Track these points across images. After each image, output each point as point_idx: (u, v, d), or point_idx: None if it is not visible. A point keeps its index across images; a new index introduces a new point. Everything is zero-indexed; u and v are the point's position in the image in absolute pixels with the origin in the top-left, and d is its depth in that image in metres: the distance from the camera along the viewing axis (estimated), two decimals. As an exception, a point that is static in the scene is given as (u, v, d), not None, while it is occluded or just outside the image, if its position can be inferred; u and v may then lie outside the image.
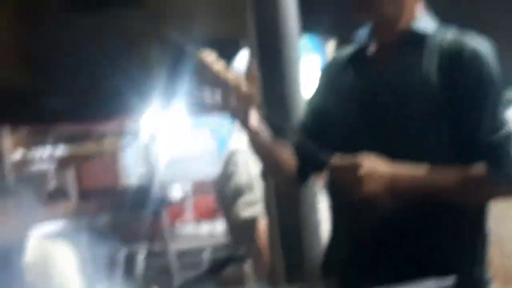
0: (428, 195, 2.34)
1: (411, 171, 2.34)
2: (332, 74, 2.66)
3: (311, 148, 2.54)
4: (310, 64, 4.77)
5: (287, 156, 2.61)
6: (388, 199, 2.29)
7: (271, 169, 2.72)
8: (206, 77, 2.37)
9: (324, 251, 2.65)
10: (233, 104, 2.37)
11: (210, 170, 4.70)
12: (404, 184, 2.31)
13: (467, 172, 2.35)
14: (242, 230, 4.28)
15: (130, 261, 5.86)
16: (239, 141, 4.29)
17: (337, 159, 2.28)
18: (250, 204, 4.24)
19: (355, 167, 2.25)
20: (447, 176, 2.35)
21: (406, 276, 2.19)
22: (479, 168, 2.34)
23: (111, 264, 6.21)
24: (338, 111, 2.58)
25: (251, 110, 2.41)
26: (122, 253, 5.61)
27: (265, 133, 2.50)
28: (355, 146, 2.44)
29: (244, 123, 2.44)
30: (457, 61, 2.43)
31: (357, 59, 2.61)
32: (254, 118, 2.44)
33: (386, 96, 2.49)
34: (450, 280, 2.08)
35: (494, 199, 2.44)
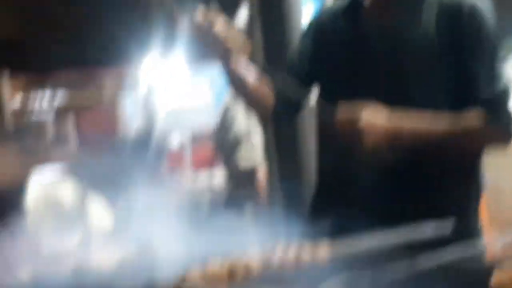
0: (426, 144, 2.37)
1: (410, 120, 2.36)
2: (326, 24, 2.67)
3: (292, 91, 2.55)
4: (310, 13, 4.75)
5: (267, 95, 2.63)
6: (387, 150, 2.32)
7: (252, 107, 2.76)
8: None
9: (313, 195, 2.70)
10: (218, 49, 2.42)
11: (208, 121, 4.73)
12: (404, 135, 2.34)
13: (463, 120, 2.38)
14: (241, 179, 4.32)
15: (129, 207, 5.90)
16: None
17: (340, 112, 2.29)
18: (249, 154, 4.27)
19: (356, 120, 2.28)
20: (444, 124, 2.38)
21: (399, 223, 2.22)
22: (475, 117, 2.37)
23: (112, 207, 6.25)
24: (331, 60, 2.58)
25: (233, 56, 2.44)
26: (121, 200, 5.62)
27: (249, 79, 2.53)
28: (346, 95, 2.47)
29: (226, 67, 2.48)
30: (455, 15, 2.44)
31: (353, 10, 2.61)
32: (240, 63, 2.47)
33: (382, 47, 2.50)
34: (446, 226, 2.10)
35: (489, 148, 2.47)
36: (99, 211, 4.05)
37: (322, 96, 2.59)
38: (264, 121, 3.31)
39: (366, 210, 2.36)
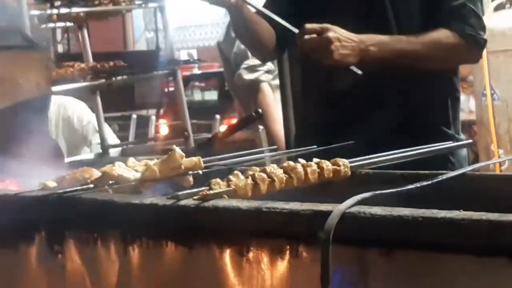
0: (396, 57, 2.46)
1: (378, 36, 2.45)
2: None
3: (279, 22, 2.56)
4: None
5: (268, 30, 2.65)
6: (357, 61, 2.40)
7: (253, 42, 2.77)
8: None
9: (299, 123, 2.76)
10: None
11: (215, 36, 4.72)
12: (372, 47, 2.43)
13: (432, 35, 2.48)
14: (245, 93, 4.32)
15: (141, 124, 5.94)
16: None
17: (307, 25, 2.37)
18: (254, 67, 4.26)
19: (324, 31, 2.35)
20: (413, 39, 2.47)
21: (381, 136, 2.28)
22: (444, 32, 2.48)
23: (125, 127, 6.29)
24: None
25: None
26: (134, 116, 5.66)
27: (246, 9, 2.57)
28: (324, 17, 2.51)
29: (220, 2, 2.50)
30: None
31: None
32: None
33: None
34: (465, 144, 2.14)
35: (460, 61, 2.65)
36: (109, 132, 4.09)
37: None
38: (265, 59, 3.33)
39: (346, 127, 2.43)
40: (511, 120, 4.94)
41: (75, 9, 3.27)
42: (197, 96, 20.15)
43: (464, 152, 2.60)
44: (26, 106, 2.17)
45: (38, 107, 2.23)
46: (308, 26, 2.37)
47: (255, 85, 4.28)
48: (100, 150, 3.50)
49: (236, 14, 2.58)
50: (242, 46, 4.26)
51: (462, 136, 2.63)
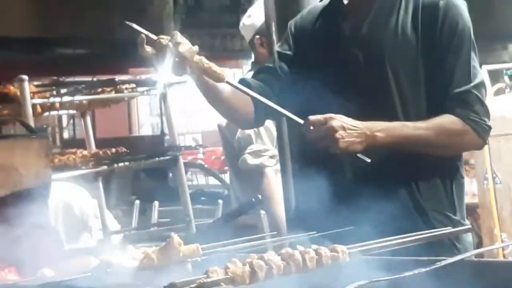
0: (403, 143, 2.48)
1: (383, 123, 2.46)
2: (307, 26, 2.72)
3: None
4: None
5: (242, 101, 2.64)
6: (363, 148, 2.41)
7: (227, 113, 2.78)
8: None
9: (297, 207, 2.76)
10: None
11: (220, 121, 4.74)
12: (379, 133, 2.44)
13: (438, 121, 2.49)
14: (250, 178, 4.32)
15: (146, 209, 5.93)
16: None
17: (311, 117, 2.39)
18: (259, 152, 4.28)
19: (328, 121, 2.38)
20: (419, 125, 2.49)
21: (386, 223, 2.28)
22: (450, 118, 2.49)
23: (128, 212, 6.29)
24: (312, 63, 2.65)
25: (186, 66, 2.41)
26: (137, 202, 5.66)
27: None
28: (328, 99, 2.54)
29: (178, 73, 2.49)
30: (432, 12, 2.54)
31: (333, 9, 2.67)
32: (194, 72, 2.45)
33: (361, 50, 2.59)
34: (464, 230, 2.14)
35: (465, 147, 2.65)
36: (110, 218, 4.10)
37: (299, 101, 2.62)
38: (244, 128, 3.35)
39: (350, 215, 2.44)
40: (513, 203, 4.95)
41: (78, 97, 3.32)
42: (201, 180, 20.23)
43: (469, 237, 2.60)
44: (25, 194, 2.18)
45: (37, 195, 2.24)
46: (312, 118, 2.39)
47: (259, 170, 4.29)
48: (101, 237, 3.51)
49: (198, 84, 2.55)
50: (247, 131, 4.29)
51: (467, 221, 2.62)
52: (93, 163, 3.24)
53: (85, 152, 3.31)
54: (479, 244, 5.19)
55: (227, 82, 2.46)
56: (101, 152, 3.32)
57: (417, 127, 2.49)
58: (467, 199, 2.68)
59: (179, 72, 2.44)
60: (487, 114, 2.54)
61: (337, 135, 2.36)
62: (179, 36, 2.38)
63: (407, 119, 2.52)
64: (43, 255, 2.02)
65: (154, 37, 2.39)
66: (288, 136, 3.29)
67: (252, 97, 2.55)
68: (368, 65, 2.58)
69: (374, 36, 2.58)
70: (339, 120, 2.38)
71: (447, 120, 2.50)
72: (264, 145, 4.28)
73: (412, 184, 2.53)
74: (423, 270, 1.61)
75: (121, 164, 3.28)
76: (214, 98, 2.58)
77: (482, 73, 2.60)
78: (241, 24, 4.53)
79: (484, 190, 5.15)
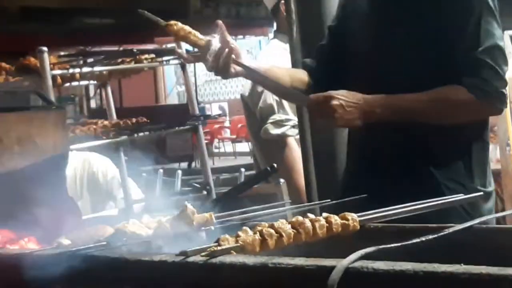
0: (403, 117, 2.49)
1: (383, 97, 2.50)
2: (352, 2, 2.74)
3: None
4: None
5: (297, 76, 2.76)
6: (362, 123, 2.49)
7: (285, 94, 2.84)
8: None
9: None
10: (210, 63, 2.51)
11: (242, 91, 4.75)
12: (378, 108, 2.48)
13: (440, 92, 2.47)
14: (271, 148, 4.34)
15: (169, 177, 5.97)
16: (269, 59, 4.32)
17: (312, 96, 2.49)
18: (281, 122, 4.29)
19: (327, 100, 2.45)
20: (420, 97, 2.49)
21: (402, 189, 2.30)
22: (454, 88, 2.46)
23: (151, 180, 6.33)
24: (350, 38, 2.73)
25: (229, 65, 2.51)
26: (161, 170, 5.70)
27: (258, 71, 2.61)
28: (359, 71, 2.58)
29: (225, 75, 2.55)
30: None
31: None
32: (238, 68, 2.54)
33: (385, 25, 2.61)
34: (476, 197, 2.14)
35: (473, 117, 2.54)
36: (133, 186, 4.14)
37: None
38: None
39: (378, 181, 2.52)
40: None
41: (97, 68, 3.35)
42: (228, 148, 20.29)
43: (489, 203, 2.59)
44: (43, 165, 2.21)
45: (55, 166, 2.27)
46: (313, 97, 2.49)
47: (281, 139, 4.31)
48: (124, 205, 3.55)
49: (252, 79, 2.67)
50: (268, 101, 4.30)
51: (490, 188, 2.62)
52: (113, 133, 3.26)
53: (106, 122, 3.34)
54: (502, 210, 5.18)
55: (237, 63, 2.51)
56: (121, 122, 3.35)
57: (417, 100, 2.49)
58: (491, 165, 2.67)
59: (221, 74, 2.54)
60: (500, 80, 2.47)
61: (336, 114, 2.45)
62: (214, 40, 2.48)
63: (412, 86, 2.51)
64: (61, 225, 2.05)
65: (163, 22, 2.47)
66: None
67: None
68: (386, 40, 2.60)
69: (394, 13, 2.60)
70: (338, 99, 2.45)
71: (449, 91, 2.48)
72: (286, 115, 4.28)
73: (425, 154, 2.54)
74: (431, 237, 1.63)
75: (141, 134, 3.30)
76: (268, 86, 2.76)
77: (498, 36, 2.50)
78: None
79: (506, 156, 5.12)
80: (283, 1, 4.26)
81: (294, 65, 3.52)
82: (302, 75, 2.78)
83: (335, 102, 2.43)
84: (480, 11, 2.49)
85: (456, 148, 2.57)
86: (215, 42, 2.49)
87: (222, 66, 2.49)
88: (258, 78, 2.64)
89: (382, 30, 2.61)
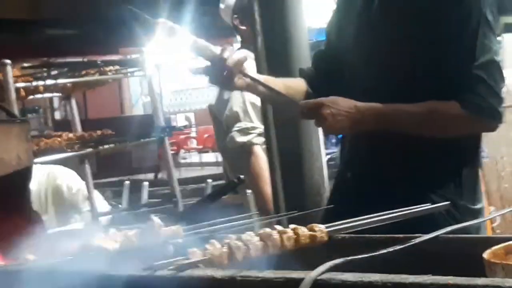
0: (391, 127, 2.46)
1: (375, 106, 2.46)
2: (346, 4, 2.72)
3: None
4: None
5: (293, 85, 2.72)
6: (352, 131, 2.49)
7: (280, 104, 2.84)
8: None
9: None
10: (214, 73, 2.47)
11: (210, 100, 4.74)
12: (369, 117, 2.44)
13: (432, 106, 2.44)
14: (238, 156, 4.33)
15: (135, 190, 5.94)
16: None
17: (302, 103, 2.47)
18: (246, 130, 4.28)
19: (319, 107, 2.41)
20: (412, 111, 2.45)
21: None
22: (448, 103, 2.42)
23: (116, 193, 6.30)
24: (345, 41, 2.69)
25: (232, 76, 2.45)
26: (127, 182, 5.66)
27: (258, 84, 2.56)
28: (354, 79, 2.58)
29: (226, 87, 2.53)
30: None
31: None
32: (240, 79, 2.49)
33: (378, 28, 2.57)
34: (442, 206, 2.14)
35: (464, 132, 2.48)
36: (99, 199, 4.11)
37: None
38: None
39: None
40: (500, 177, 4.96)
41: (61, 80, 3.32)
42: (195, 158, 20.24)
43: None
44: (7, 179, 2.18)
45: (19, 179, 2.24)
46: (303, 103, 2.47)
47: (247, 147, 4.29)
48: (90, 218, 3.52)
49: (254, 93, 2.64)
50: (234, 109, 4.29)
51: (480, 205, 2.56)
52: (78, 146, 3.24)
53: (70, 135, 3.32)
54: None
55: (244, 75, 2.48)
56: (86, 135, 3.33)
57: (409, 112, 2.45)
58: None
59: (225, 87, 2.52)
60: (495, 96, 2.40)
61: (326, 122, 2.41)
62: (229, 50, 2.43)
63: (407, 96, 2.48)
64: (25, 240, 2.02)
65: (152, 20, 2.43)
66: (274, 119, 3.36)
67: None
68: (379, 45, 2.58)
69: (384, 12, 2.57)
70: (329, 107, 2.41)
71: (443, 105, 2.43)
72: (252, 123, 4.27)
73: (416, 168, 2.51)
74: (398, 247, 1.63)
75: (106, 146, 3.28)
76: (267, 99, 2.75)
77: (495, 51, 2.43)
78: (220, 9, 4.54)
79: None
80: (235, 16, 4.28)
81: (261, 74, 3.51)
82: (297, 84, 2.74)
83: (325, 110, 2.40)
84: (478, 23, 2.41)
85: (448, 164, 2.53)
86: (215, 49, 2.45)
87: (227, 77, 2.44)
88: (263, 90, 2.57)
89: (375, 37, 2.57)
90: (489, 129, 2.55)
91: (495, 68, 2.43)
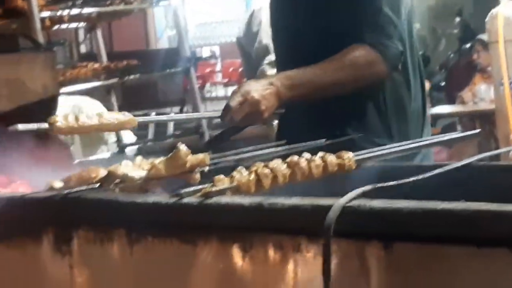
0: (309, 93, 2.42)
1: (290, 75, 2.40)
2: None
3: None
4: None
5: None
6: (280, 105, 2.38)
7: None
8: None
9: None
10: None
11: (237, 32, 4.70)
12: (284, 89, 2.37)
13: (345, 57, 2.38)
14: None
15: (161, 122, 5.94)
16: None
17: (231, 102, 2.33)
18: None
19: (247, 96, 2.32)
20: (326, 67, 2.40)
21: None
22: (357, 49, 2.37)
23: (142, 125, 6.31)
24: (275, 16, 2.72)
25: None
26: (153, 114, 5.67)
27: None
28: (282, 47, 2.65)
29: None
30: None
31: None
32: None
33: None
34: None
35: (376, 76, 2.43)
36: (126, 131, 4.11)
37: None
38: None
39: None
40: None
41: (86, 10, 3.29)
42: (220, 92, 20.18)
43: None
44: (33, 107, 2.18)
45: (45, 108, 2.24)
46: (233, 102, 2.33)
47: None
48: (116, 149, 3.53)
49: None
50: (264, 41, 4.25)
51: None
52: (104, 76, 3.22)
53: (96, 65, 3.30)
54: (496, 149, 5.18)
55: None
56: (112, 65, 3.31)
57: (323, 71, 2.40)
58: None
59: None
60: (400, 37, 2.39)
61: (262, 106, 2.32)
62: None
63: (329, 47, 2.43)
64: (53, 168, 2.02)
65: None
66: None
67: None
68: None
69: None
70: (256, 91, 2.32)
71: (354, 53, 2.38)
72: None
73: (342, 117, 2.50)
74: (428, 174, 1.61)
75: (131, 76, 3.26)
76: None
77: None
78: None
79: (500, 96, 5.10)
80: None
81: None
82: None
83: (256, 95, 2.31)
84: None
85: (367, 107, 2.51)
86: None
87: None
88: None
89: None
90: (387, 74, 2.46)
91: (400, 6, 2.41)
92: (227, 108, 2.33)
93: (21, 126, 1.85)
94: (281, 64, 2.61)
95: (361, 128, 2.46)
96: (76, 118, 1.87)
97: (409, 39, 2.50)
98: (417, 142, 1.87)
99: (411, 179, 1.58)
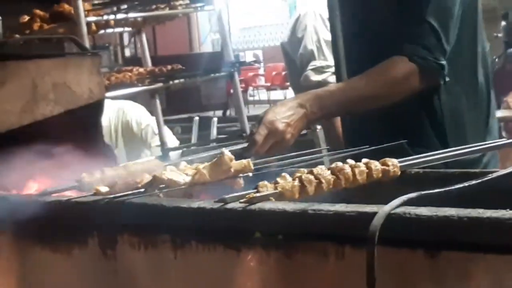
0: (341, 110, 2.44)
1: (317, 95, 2.37)
2: None
3: None
4: None
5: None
6: (307, 127, 2.38)
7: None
8: None
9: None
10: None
11: (280, 36, 4.71)
12: (311, 108, 2.34)
13: (376, 73, 2.35)
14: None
15: (204, 126, 5.97)
16: (309, 4, 4.26)
17: (256, 136, 2.27)
18: (321, 68, 4.24)
19: (271, 126, 2.27)
20: (354, 86, 2.39)
21: None
22: (392, 62, 2.33)
23: (186, 129, 6.35)
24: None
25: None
26: (196, 118, 5.70)
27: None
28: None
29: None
30: None
31: None
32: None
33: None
34: None
35: (414, 90, 2.37)
36: (169, 134, 4.13)
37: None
38: None
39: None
40: None
41: (131, 14, 3.32)
42: (263, 96, 20.25)
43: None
44: (79, 111, 2.20)
45: (92, 113, 2.26)
46: (257, 136, 2.27)
47: (322, 86, 4.26)
48: (160, 153, 3.54)
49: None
50: (309, 47, 4.25)
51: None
52: (149, 81, 3.24)
53: (141, 70, 3.32)
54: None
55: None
56: (156, 69, 3.33)
57: (353, 88, 2.38)
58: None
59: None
60: (442, 49, 2.32)
61: (287, 135, 2.29)
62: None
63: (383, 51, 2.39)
64: (99, 172, 2.04)
65: None
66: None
67: None
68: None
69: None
70: (280, 120, 2.27)
71: (390, 66, 2.33)
72: (327, 61, 4.23)
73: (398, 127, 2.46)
74: (474, 182, 1.59)
75: (176, 81, 3.28)
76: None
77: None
78: None
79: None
80: None
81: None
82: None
83: (280, 126, 2.27)
84: None
85: (422, 119, 2.46)
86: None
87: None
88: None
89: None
90: (431, 85, 2.40)
91: (448, 16, 2.33)
92: (251, 142, 2.27)
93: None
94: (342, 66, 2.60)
95: (415, 138, 2.38)
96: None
97: (473, 43, 2.44)
98: (461, 149, 1.85)
99: (456, 186, 1.56)
